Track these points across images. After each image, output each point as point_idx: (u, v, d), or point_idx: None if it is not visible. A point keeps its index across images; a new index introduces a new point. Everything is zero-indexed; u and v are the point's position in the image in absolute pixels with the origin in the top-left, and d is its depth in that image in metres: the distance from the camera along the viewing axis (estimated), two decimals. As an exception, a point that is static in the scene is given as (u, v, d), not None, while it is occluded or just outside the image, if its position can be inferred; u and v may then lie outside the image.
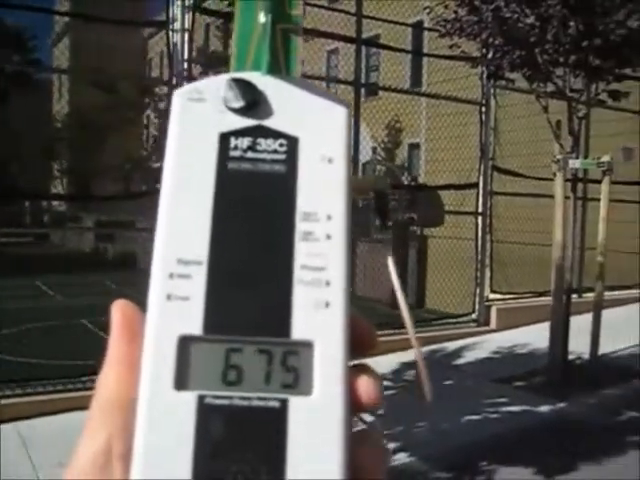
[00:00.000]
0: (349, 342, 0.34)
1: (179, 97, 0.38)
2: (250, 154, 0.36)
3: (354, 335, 0.34)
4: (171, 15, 6.10)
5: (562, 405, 5.35)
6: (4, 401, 4.93)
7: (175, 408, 0.32)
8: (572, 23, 5.37)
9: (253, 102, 0.37)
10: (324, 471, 0.31)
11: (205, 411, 0.32)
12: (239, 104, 0.37)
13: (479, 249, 8.16)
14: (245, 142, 0.37)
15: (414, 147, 15.20)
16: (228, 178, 0.36)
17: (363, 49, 8.34)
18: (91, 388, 0.37)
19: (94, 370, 5.62)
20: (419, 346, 0.39)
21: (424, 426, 4.79)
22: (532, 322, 7.54)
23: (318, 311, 0.34)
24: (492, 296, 8.26)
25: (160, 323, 0.33)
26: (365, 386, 0.34)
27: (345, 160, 0.37)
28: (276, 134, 0.37)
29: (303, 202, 0.36)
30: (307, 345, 0.33)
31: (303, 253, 0.35)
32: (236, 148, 0.36)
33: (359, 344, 0.35)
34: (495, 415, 5.12)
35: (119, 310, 0.37)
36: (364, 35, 8.00)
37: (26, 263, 12.94)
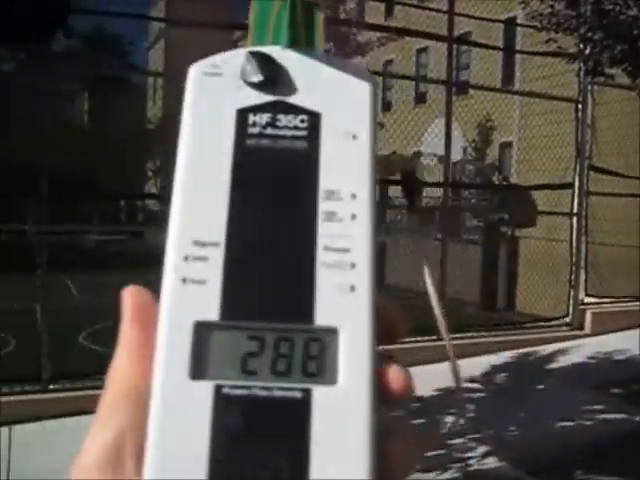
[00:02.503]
0: (376, 328, 0.32)
1: (195, 71, 0.36)
2: (269, 130, 0.35)
3: (383, 322, 0.32)
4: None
5: (663, 414, 5.12)
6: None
7: (190, 399, 0.30)
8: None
9: (272, 76, 0.35)
10: (349, 465, 0.29)
11: (222, 402, 0.30)
12: (258, 78, 0.35)
13: (574, 251, 7.91)
14: (264, 118, 0.35)
15: (506, 146, 14.88)
16: (246, 155, 0.34)
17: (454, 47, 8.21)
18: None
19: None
20: (450, 344, 0.38)
21: (515, 430, 4.68)
22: (629, 327, 7.24)
23: (343, 295, 0.32)
24: (587, 299, 7.99)
25: (175, 308, 0.31)
26: (395, 374, 0.32)
27: (370, 136, 0.35)
28: (297, 110, 0.35)
29: (326, 180, 0.34)
30: (331, 331, 0.31)
31: (326, 234, 0.33)
32: (254, 124, 0.35)
33: (388, 331, 0.33)
34: (590, 422, 4.95)
35: (130, 296, 0.35)
36: (455, 33, 7.90)
37: (123, 260, 13.43)
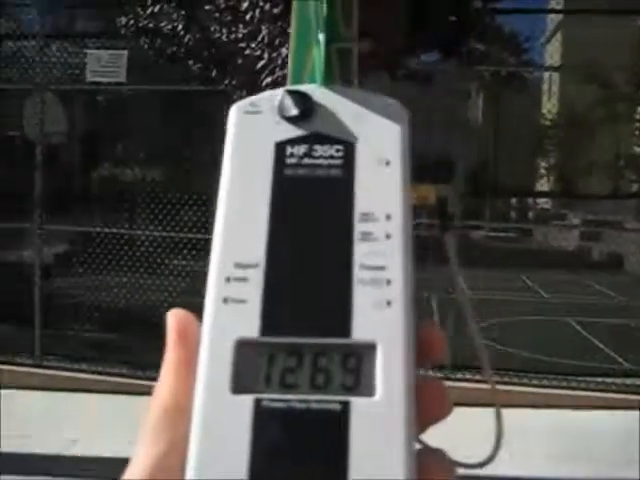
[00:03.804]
0: (414, 342, 0.33)
1: (236, 111, 0.39)
2: (306, 160, 0.37)
3: (422, 341, 0.34)
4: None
5: None
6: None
7: (231, 412, 0.31)
8: None
9: (308, 111, 0.38)
10: (389, 473, 0.30)
11: (262, 414, 0.31)
12: (294, 113, 0.37)
13: None
14: (301, 149, 0.37)
15: None
16: (285, 183, 0.36)
17: None
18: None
19: (587, 371, 5.57)
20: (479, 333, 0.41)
21: None
22: None
23: (379, 310, 0.33)
24: None
25: (217, 326, 0.33)
26: (434, 388, 0.33)
27: (402, 162, 0.37)
28: (332, 140, 0.37)
29: (361, 203, 0.35)
30: (368, 345, 0.32)
31: (362, 253, 0.34)
32: (292, 155, 0.37)
33: (427, 351, 0.34)
34: None
35: (174, 317, 0.36)
36: None
37: (511, 257, 13.40)
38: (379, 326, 0.33)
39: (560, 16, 31.83)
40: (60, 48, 5.98)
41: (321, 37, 0.36)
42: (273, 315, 0.33)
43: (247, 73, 3.29)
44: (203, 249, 6.05)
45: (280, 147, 0.37)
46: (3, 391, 4.74)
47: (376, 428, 0.31)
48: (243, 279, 0.34)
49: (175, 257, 6.42)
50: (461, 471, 0.36)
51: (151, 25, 3.41)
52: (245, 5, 3.06)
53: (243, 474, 0.30)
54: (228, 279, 0.34)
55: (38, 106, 5.82)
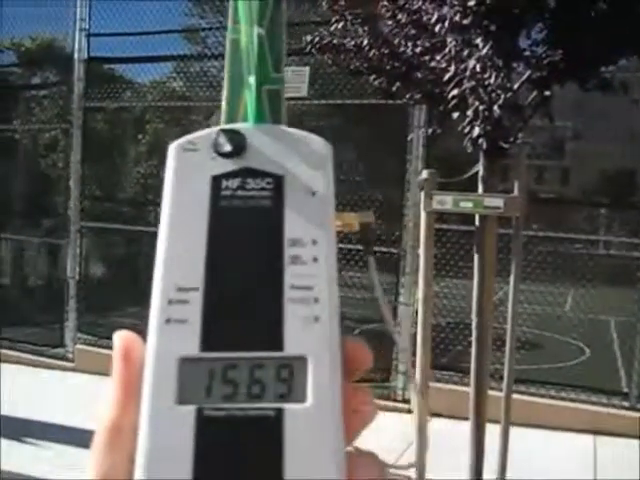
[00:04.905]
0: (340, 353, 0.36)
1: (174, 149, 0.41)
2: (240, 192, 0.40)
3: (348, 354, 0.37)
4: None
5: None
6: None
7: (176, 421, 0.34)
8: None
9: (240, 147, 0.41)
10: (321, 474, 0.33)
11: (204, 422, 0.34)
12: (228, 149, 0.40)
13: None
14: (235, 182, 0.40)
15: None
16: (220, 214, 0.39)
17: None
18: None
19: None
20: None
21: None
22: None
23: (308, 325, 0.36)
24: None
25: (160, 345, 0.36)
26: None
27: (327, 192, 0.40)
28: (263, 174, 0.40)
29: (290, 230, 0.39)
30: (299, 357, 0.35)
31: (292, 275, 0.37)
32: (227, 188, 0.40)
33: (352, 363, 0.37)
34: None
35: (118, 338, 0.38)
36: None
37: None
38: (308, 340, 0.36)
39: None
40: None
41: (252, 80, 0.36)
42: (212, 333, 0.36)
43: (431, 86, 3.26)
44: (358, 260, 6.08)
45: (216, 181, 0.40)
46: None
47: (308, 431, 0.34)
48: (184, 301, 0.37)
49: (343, 268, 6.51)
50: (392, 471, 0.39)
51: (335, 42, 3.46)
52: (433, 18, 3.03)
53: (188, 476, 0.33)
54: (170, 301, 0.37)
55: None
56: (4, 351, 7.01)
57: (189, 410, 0.34)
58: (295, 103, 6.24)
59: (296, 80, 5.61)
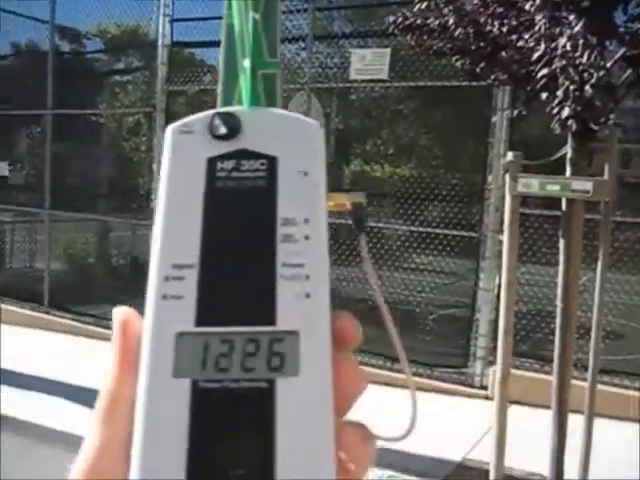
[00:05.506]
0: (331, 328, 0.37)
1: (170, 132, 0.42)
2: (235, 174, 0.41)
3: (337, 328, 0.38)
4: None
5: None
6: None
7: (172, 393, 0.35)
8: None
9: (235, 130, 0.42)
10: (312, 442, 0.34)
11: (199, 394, 0.35)
12: (223, 132, 0.42)
13: None
14: (230, 164, 0.41)
15: None
16: (216, 194, 0.41)
17: None
18: None
19: None
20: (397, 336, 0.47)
21: None
22: None
23: (300, 301, 0.37)
24: None
25: (157, 320, 0.37)
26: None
27: (319, 172, 0.41)
28: (257, 155, 0.42)
29: (283, 210, 0.40)
30: (291, 332, 0.37)
31: (284, 253, 0.39)
32: (222, 169, 0.41)
33: (342, 337, 0.38)
34: None
35: (117, 314, 0.40)
36: None
37: None
38: (300, 315, 0.37)
39: None
40: (324, 49, 6.30)
41: (247, 64, 0.37)
42: (207, 308, 0.37)
43: (517, 66, 3.16)
44: (448, 245, 6.01)
45: (211, 162, 0.41)
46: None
47: (299, 402, 0.35)
48: (180, 278, 0.38)
49: (422, 252, 6.46)
50: (380, 443, 0.40)
51: (418, 22, 3.40)
52: (524, -6, 2.93)
53: (184, 446, 0.34)
54: (167, 278, 0.38)
55: (303, 105, 6.17)
56: (91, 327, 7.29)
57: (185, 382, 0.36)
58: (375, 85, 6.19)
59: (377, 62, 5.56)
